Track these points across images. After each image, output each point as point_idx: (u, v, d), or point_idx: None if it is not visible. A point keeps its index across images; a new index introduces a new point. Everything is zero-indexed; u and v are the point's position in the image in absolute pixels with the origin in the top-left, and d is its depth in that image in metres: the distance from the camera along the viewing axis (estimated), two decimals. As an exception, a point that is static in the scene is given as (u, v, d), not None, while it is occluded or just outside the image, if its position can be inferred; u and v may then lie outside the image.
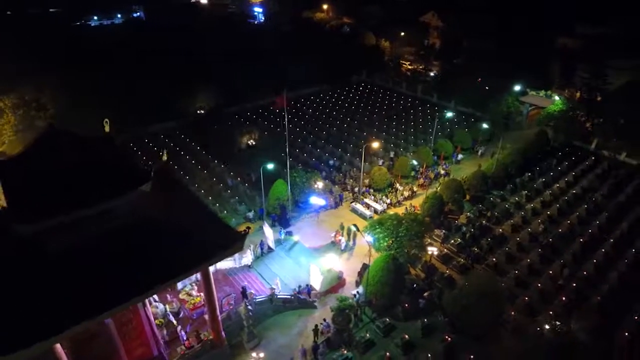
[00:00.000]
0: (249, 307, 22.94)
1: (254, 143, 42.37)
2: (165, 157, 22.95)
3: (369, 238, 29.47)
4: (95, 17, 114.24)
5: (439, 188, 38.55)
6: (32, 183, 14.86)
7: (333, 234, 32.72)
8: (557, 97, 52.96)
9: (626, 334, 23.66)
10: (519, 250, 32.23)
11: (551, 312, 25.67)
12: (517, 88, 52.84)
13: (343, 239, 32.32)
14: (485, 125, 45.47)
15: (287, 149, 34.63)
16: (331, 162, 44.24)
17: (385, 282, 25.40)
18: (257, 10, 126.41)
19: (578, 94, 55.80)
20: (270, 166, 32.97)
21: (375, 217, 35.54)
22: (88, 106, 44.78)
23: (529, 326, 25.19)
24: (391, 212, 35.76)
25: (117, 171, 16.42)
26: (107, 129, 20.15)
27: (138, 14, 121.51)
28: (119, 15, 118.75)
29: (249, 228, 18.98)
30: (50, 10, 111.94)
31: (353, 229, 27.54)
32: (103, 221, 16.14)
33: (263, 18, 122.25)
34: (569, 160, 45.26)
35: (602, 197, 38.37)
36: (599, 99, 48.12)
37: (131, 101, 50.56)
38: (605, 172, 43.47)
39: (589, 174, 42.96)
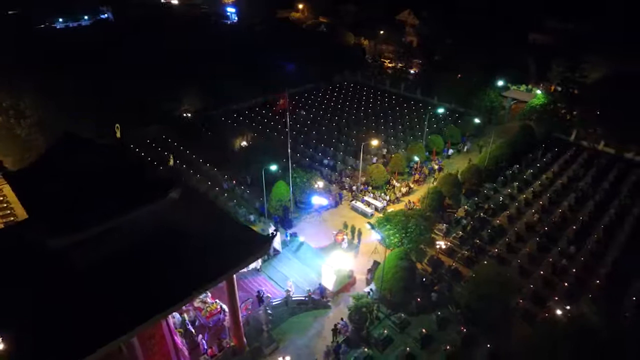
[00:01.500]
0: (269, 311, 22.62)
1: (247, 145, 41.71)
2: (171, 162, 22.31)
3: (377, 235, 29.85)
4: (61, 19, 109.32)
5: (434, 183, 39.34)
6: (58, 194, 14.06)
7: (335, 233, 32.66)
8: (538, 91, 55.03)
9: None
10: (517, 240, 33.33)
11: (557, 298, 26.73)
12: (500, 83, 54.43)
13: (346, 239, 32.29)
14: (477, 120, 46.64)
15: (289, 150, 34.25)
16: (325, 161, 44.22)
17: (400, 278, 25.68)
18: (230, 10, 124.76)
19: (552, 88, 58.17)
20: (273, 167, 32.59)
21: (377, 214, 35.88)
22: (68, 112, 43.06)
23: (538, 313, 26.15)
24: (390, 208, 36.28)
25: (144, 178, 15.79)
26: (118, 134, 19.37)
27: (105, 15, 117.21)
28: (85, 17, 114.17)
29: (276, 230, 18.70)
30: (9, 12, 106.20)
31: (368, 227, 27.64)
32: (130, 232, 15.51)
33: (236, 18, 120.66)
34: (553, 152, 47.16)
35: (587, 186, 40.15)
36: (576, 92, 50.24)
37: (112, 106, 48.75)
38: (587, 162, 45.57)
39: (572, 164, 44.93)
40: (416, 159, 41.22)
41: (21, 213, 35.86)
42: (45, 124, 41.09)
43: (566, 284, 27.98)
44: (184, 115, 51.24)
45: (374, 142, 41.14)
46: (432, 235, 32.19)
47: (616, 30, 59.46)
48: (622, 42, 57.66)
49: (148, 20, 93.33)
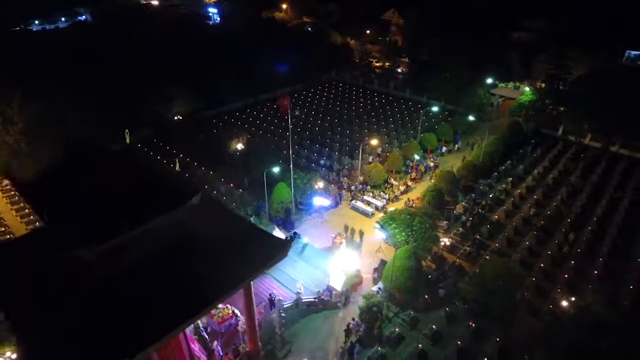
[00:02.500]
0: (283, 314, 22.52)
1: (243, 147, 41.35)
2: (178, 168, 22.00)
3: (381, 234, 30.06)
4: (37, 22, 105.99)
5: (432, 180, 39.89)
6: (82, 203, 13.65)
7: (333, 237, 32.60)
8: (527, 88, 56.37)
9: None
10: (516, 234, 34.09)
11: (559, 290, 27.46)
12: (489, 81, 55.51)
13: (344, 242, 32.28)
14: (471, 118, 47.44)
15: (290, 151, 34.10)
16: (322, 161, 44.24)
17: (408, 276, 25.93)
18: (212, 10, 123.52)
19: (539, 84, 59.73)
20: (276, 169, 32.42)
21: (377, 213, 36.13)
22: (56, 116, 41.82)
23: (542, 305, 26.81)
24: (391, 207, 36.59)
25: (166, 184, 15.50)
26: (127, 140, 18.96)
27: (83, 17, 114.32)
28: (62, 19, 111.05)
29: (295, 233, 18.63)
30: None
31: (376, 226, 27.79)
32: (152, 240, 15.20)
33: (219, 19, 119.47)
34: (542, 147, 48.41)
35: (578, 179, 41.35)
36: (561, 87, 51.68)
37: (99, 110, 47.52)
38: (575, 156, 46.95)
39: (561, 159, 46.21)
40: (417, 157, 41.73)
41: (12, 223, 34.80)
42: (33, 130, 39.85)
43: (566, 276, 28.80)
44: (175, 118, 50.37)
45: (374, 142, 41.33)
46: (435, 232, 32.61)
47: (590, 28, 61.63)
48: (600, 39, 59.83)
49: (128, 21, 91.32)
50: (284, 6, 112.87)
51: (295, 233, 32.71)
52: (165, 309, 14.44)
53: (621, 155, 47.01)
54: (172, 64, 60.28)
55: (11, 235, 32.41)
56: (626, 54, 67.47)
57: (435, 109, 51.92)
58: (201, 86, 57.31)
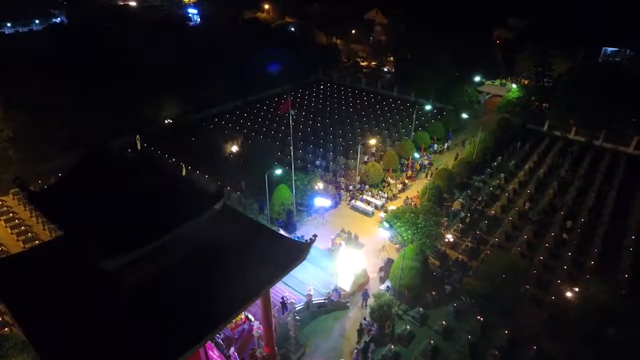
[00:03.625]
0: (297, 317, 22.46)
1: (238, 150, 40.93)
2: (184, 172, 21.61)
3: (386, 233, 30.33)
4: (9, 24, 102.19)
5: (429, 178, 40.42)
6: (103, 211, 13.25)
7: (332, 238, 32.67)
8: (514, 85, 57.75)
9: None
10: (513, 228, 34.92)
11: (559, 281, 28.30)
12: (477, 79, 56.59)
13: (344, 243, 32.37)
14: (465, 115, 48.27)
15: (293, 152, 33.96)
16: (317, 162, 44.23)
17: (416, 273, 26.27)
18: (192, 11, 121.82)
19: (523, 81, 61.33)
20: (278, 171, 32.24)
21: (377, 212, 36.40)
22: (41, 124, 40.59)
23: (545, 296, 27.57)
24: (389, 206, 36.94)
25: (185, 189, 15.23)
26: (138, 146, 18.55)
27: (58, 19, 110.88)
28: (36, 22, 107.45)
29: (315, 236, 18.60)
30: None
31: (386, 225, 27.98)
32: (174, 247, 14.94)
33: (199, 19, 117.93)
34: (530, 143, 49.71)
35: (567, 173, 42.66)
36: (546, 84, 53.18)
37: (87, 115, 46.25)
38: (562, 150, 48.41)
39: (549, 153, 47.57)
40: (417, 155, 42.21)
41: (3, 234, 33.58)
42: (18, 137, 38.52)
43: (565, 267, 29.69)
44: (165, 121, 49.44)
45: (373, 141, 41.58)
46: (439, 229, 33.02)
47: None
48: (579, 37, 61.93)
49: (108, 23, 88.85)
50: (266, 6, 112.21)
51: (301, 236, 32.65)
52: (191, 319, 14.21)
53: (605, 148, 48.71)
54: (157, 66, 58.82)
55: (4, 247, 31.40)
56: (602, 50, 69.94)
57: (428, 107, 52.56)
58: (188, 88, 56.35)
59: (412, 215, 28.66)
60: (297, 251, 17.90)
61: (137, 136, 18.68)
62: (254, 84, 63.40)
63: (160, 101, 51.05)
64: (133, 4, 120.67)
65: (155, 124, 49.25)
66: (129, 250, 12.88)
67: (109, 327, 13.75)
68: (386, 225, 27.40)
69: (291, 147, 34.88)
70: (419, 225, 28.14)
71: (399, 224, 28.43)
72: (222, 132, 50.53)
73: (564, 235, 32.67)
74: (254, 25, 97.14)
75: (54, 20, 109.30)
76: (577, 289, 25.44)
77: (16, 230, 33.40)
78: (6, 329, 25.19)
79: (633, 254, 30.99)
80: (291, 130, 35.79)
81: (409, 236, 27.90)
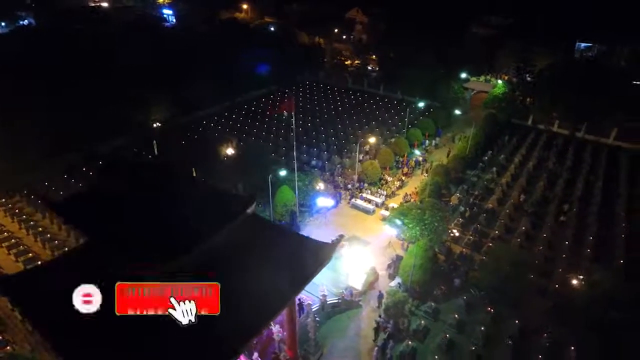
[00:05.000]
0: (317, 318, 22.39)
1: (233, 152, 40.34)
2: (194, 174, 21.24)
3: (392, 231, 30.61)
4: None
5: (424, 174, 41.05)
6: (136, 220, 12.81)
7: (334, 239, 32.69)
8: (499, 81, 59.28)
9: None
10: (510, 220, 35.89)
11: (560, 270, 29.30)
12: (463, 75, 57.77)
13: (346, 244, 32.37)
14: (457, 112, 49.20)
15: (295, 153, 33.74)
16: (313, 162, 44.15)
17: (426, 269, 26.66)
18: (167, 12, 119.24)
19: (505, 77, 63.10)
20: (283, 173, 32.00)
21: (378, 210, 36.69)
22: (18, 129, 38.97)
23: (548, 285, 28.46)
24: (390, 203, 37.31)
25: (218, 194, 14.91)
26: (155, 150, 18.08)
27: (26, 21, 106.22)
28: (2, 24, 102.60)
29: (342, 235, 18.57)
30: None
31: (398, 222, 28.23)
32: (207, 256, 14.59)
33: (175, 20, 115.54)
34: (516, 137, 51.20)
35: (555, 165, 44.18)
36: (529, 79, 54.90)
37: (70, 119, 44.45)
38: (547, 143, 50.07)
39: (535, 146, 49.12)
40: (417, 152, 42.80)
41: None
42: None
43: (564, 256, 30.77)
44: (154, 125, 48.19)
45: (372, 140, 41.83)
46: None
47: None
48: (556, 33, 64.23)
49: (77, 24, 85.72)
50: (244, 6, 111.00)
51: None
52: (233, 326, 13.95)
53: (587, 140, 50.70)
54: (135, 67, 56.96)
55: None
56: (577, 45, 72.58)
57: (421, 104, 53.24)
58: (172, 91, 54.93)
59: (419, 211, 29.00)
60: (325, 252, 17.82)
61: (154, 142, 18.20)
62: (240, 85, 62.67)
63: (148, 105, 49.72)
64: (105, 5, 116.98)
65: (145, 127, 47.90)
66: (170, 258, 12.52)
67: (143, 339, 13.32)
68: (398, 222, 27.64)
69: (294, 148, 34.63)
70: (426, 221, 28.51)
71: (406, 220, 28.72)
72: (212, 134, 49.71)
73: (562, 218, 34.20)
74: (233, 25, 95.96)
75: (21, 22, 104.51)
76: (581, 277, 26.39)
77: (6, 243, 31.90)
78: (8, 347, 24.11)
79: (624, 241, 32.41)
80: (293, 132, 35.53)
81: (417, 232, 28.23)
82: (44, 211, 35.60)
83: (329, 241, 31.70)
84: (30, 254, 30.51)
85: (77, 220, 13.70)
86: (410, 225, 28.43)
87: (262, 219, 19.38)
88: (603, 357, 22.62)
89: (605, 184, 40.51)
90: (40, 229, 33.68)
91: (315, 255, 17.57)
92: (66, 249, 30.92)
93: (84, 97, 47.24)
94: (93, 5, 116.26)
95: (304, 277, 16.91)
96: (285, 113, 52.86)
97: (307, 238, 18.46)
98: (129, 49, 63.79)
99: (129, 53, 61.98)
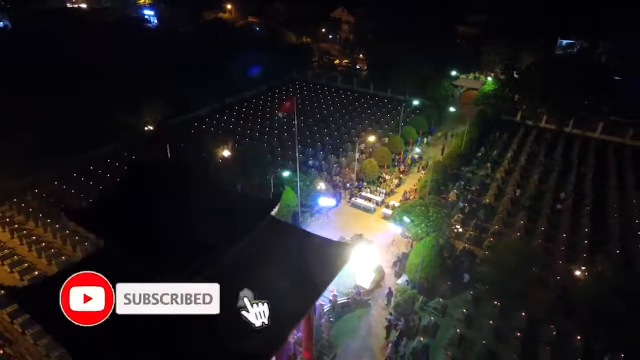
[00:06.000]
0: (331, 318, 22.31)
1: (230, 154, 39.89)
2: None
3: (396, 229, 30.77)
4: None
5: (421, 172, 41.40)
6: (162, 224, 12.47)
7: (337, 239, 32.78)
8: (489, 78, 60.26)
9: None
10: (508, 215, 36.52)
11: (560, 262, 29.99)
12: (453, 73, 58.52)
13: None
14: (452, 109, 49.74)
15: (297, 154, 33.54)
16: (310, 162, 44.01)
17: (433, 265, 26.89)
18: (148, 12, 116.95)
19: (490, 73, 64.26)
20: (286, 173, 31.79)
21: (379, 208, 36.83)
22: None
23: (549, 277, 29.08)
24: (390, 201, 37.50)
25: (240, 197, 14.67)
26: (169, 155, 17.72)
27: (1, 23, 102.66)
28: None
29: (360, 235, 18.50)
30: None
31: (406, 220, 28.36)
32: (232, 259, 14.36)
33: (157, 21, 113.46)
34: (507, 133, 52.15)
35: (547, 159, 45.18)
36: (516, 76, 56.04)
37: (59, 125, 43.19)
38: (537, 138, 51.19)
39: (526, 141, 50.16)
40: (418, 150, 43.13)
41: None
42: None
43: (563, 248, 31.50)
44: (146, 128, 47.23)
45: (371, 138, 41.93)
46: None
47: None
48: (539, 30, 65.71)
49: (57, 27, 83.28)
50: (228, 6, 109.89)
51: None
52: (260, 333, 13.74)
53: (575, 135, 52.04)
54: (118, 68, 55.63)
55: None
56: (558, 42, 74.44)
57: (416, 102, 53.66)
58: (160, 93, 53.83)
59: (423, 208, 29.22)
60: (344, 252, 17.74)
61: (167, 145, 17.82)
62: (230, 85, 61.98)
63: (137, 107, 48.62)
64: (84, 6, 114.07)
65: (137, 130, 46.92)
66: (197, 266, 12.26)
67: (169, 349, 13.02)
68: (406, 220, 27.79)
69: (296, 148, 34.42)
70: (431, 218, 28.76)
71: (412, 217, 28.90)
72: (206, 136, 49.03)
73: (559, 206, 35.38)
74: (219, 25, 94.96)
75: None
76: (583, 267, 27.06)
77: (-1, 254, 30.74)
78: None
79: (619, 231, 33.39)
80: (296, 133, 35.22)
81: (423, 229, 28.44)
82: (37, 219, 34.51)
83: (338, 238, 32.29)
84: (26, 264, 29.39)
85: (100, 228, 13.25)
86: (416, 222, 28.63)
87: (279, 220, 19.12)
88: (609, 347, 23.24)
89: (595, 177, 41.65)
90: (34, 237, 32.56)
91: (335, 256, 17.46)
92: (63, 257, 30.11)
93: (69, 100, 46.10)
94: (71, 6, 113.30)
95: (326, 279, 16.76)
96: (280, 113, 52.65)
97: (326, 239, 18.32)
98: (111, 51, 62.51)
99: (112, 55, 60.71)
